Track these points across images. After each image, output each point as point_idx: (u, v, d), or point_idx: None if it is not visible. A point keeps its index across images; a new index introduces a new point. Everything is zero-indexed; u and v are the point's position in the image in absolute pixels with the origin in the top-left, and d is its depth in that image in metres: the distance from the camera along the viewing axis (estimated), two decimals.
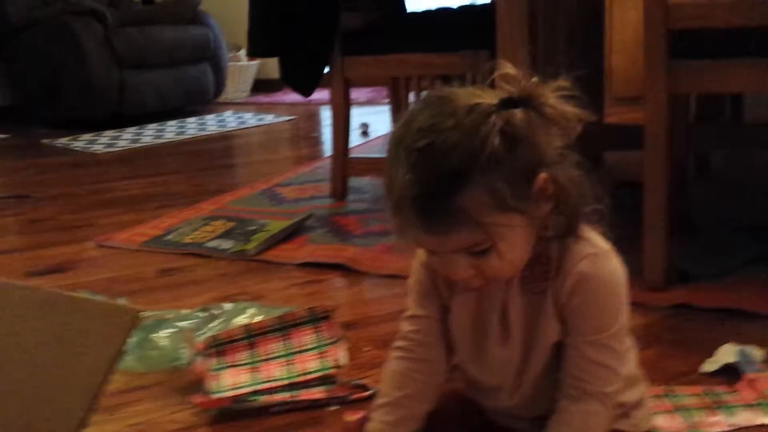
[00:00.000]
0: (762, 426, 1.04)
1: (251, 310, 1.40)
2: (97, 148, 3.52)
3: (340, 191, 2.31)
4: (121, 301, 1.42)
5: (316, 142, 3.63)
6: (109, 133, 3.87)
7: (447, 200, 0.72)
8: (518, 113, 0.74)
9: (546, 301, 0.82)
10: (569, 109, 0.76)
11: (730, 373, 1.17)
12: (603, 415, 0.82)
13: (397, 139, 0.76)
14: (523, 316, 0.83)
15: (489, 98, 0.75)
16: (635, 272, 1.55)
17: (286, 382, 1.18)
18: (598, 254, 0.81)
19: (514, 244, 0.77)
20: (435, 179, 0.72)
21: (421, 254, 0.90)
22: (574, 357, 0.82)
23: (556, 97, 0.76)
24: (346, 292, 1.64)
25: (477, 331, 0.87)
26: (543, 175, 0.75)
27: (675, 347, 1.28)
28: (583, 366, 0.82)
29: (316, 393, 1.17)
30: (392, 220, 0.76)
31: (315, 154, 3.22)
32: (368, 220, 2.07)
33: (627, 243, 1.54)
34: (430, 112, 0.75)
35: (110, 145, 3.56)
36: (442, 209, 0.73)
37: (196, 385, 1.20)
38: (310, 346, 1.26)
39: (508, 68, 0.77)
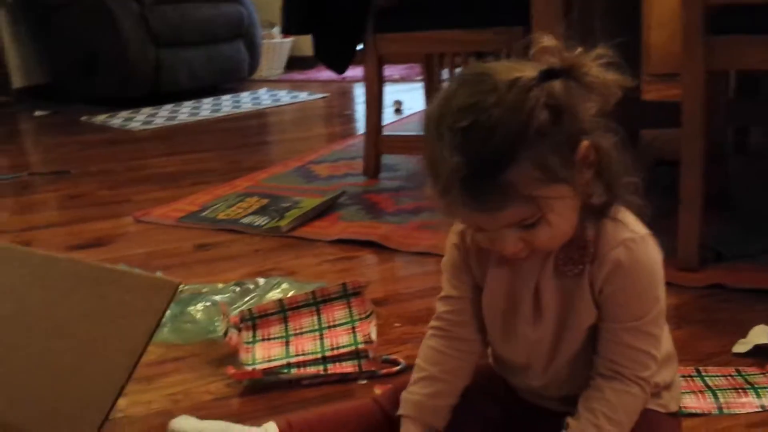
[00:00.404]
0: None
1: (284, 285, 1.42)
2: (134, 125, 3.57)
3: (372, 169, 2.32)
4: (159, 275, 1.45)
5: (349, 119, 3.63)
6: (146, 110, 3.92)
7: (496, 178, 0.72)
8: (558, 84, 0.74)
9: (583, 285, 0.81)
10: (610, 76, 0.76)
11: (762, 355, 1.16)
12: (640, 397, 0.82)
13: (436, 119, 0.75)
14: (557, 298, 0.83)
15: (528, 71, 0.74)
16: (669, 252, 1.54)
17: (317, 356, 1.21)
18: (635, 239, 0.80)
19: (563, 215, 0.76)
20: (482, 158, 0.72)
21: (453, 235, 0.90)
22: (609, 341, 0.82)
23: (597, 66, 0.76)
24: (377, 269, 1.66)
25: (508, 311, 0.87)
26: (585, 143, 0.75)
27: (707, 328, 1.27)
28: (620, 351, 0.81)
29: (347, 367, 1.19)
30: (440, 201, 0.76)
31: (348, 132, 3.23)
32: (400, 198, 2.08)
33: (662, 222, 1.54)
34: (469, 90, 0.74)
35: (147, 123, 3.61)
36: (491, 187, 0.72)
37: (230, 357, 1.23)
38: (341, 321, 1.28)
39: (547, 40, 0.77)
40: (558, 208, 0.75)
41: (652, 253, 0.81)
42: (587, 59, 0.76)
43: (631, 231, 0.80)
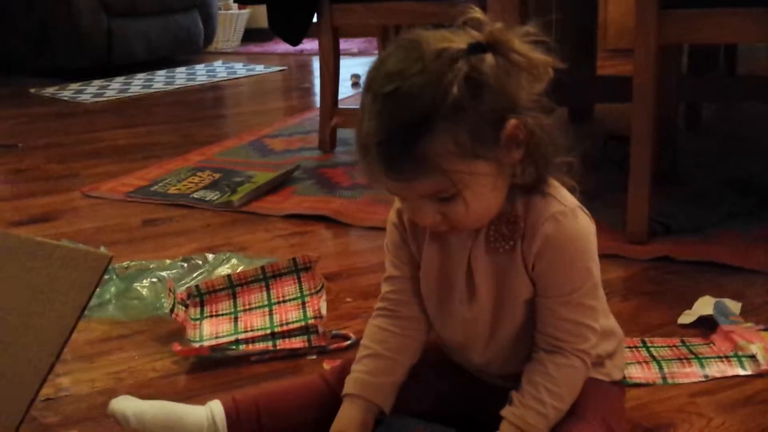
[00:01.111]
0: (734, 377, 1.05)
1: (234, 261, 1.40)
2: (85, 97, 3.48)
3: (328, 143, 2.30)
4: (102, 250, 1.42)
5: (307, 92, 3.59)
6: (98, 82, 3.82)
7: (411, 147, 0.71)
8: (488, 58, 0.72)
9: (516, 260, 0.81)
10: (537, 55, 0.75)
11: (707, 325, 1.18)
12: (581, 369, 0.82)
13: (368, 82, 0.75)
14: (490, 275, 0.83)
15: (459, 42, 0.73)
16: (619, 225, 1.57)
17: (266, 331, 1.19)
18: (565, 212, 0.79)
19: (481, 192, 0.76)
20: (399, 126, 0.71)
21: (392, 213, 0.90)
22: (547, 316, 0.82)
23: (523, 43, 0.75)
24: (330, 244, 1.64)
25: (443, 290, 0.87)
26: (513, 121, 0.74)
27: (654, 299, 1.29)
28: (558, 324, 0.82)
29: (296, 342, 1.18)
30: (360, 164, 0.76)
31: (306, 105, 3.19)
32: (355, 172, 2.06)
33: (613, 196, 1.56)
34: (399, 56, 0.73)
35: (98, 95, 3.52)
36: (405, 156, 0.72)
37: (177, 334, 1.21)
38: (291, 297, 1.26)
39: (476, 12, 0.76)
40: (475, 185, 0.74)
41: (582, 225, 0.81)
42: (512, 35, 0.75)
43: (561, 204, 0.80)
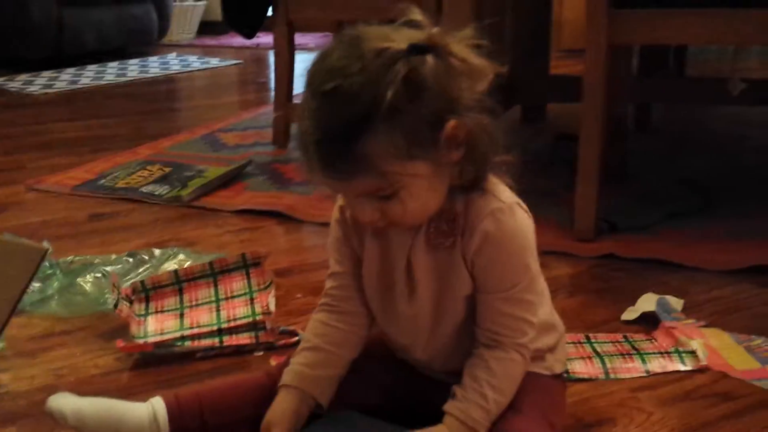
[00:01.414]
0: (675, 372, 1.07)
1: (181, 256, 1.38)
2: (34, 89, 3.39)
3: (282, 138, 2.28)
4: (45, 244, 1.39)
5: (263, 87, 3.56)
6: (47, 73, 3.72)
7: (349, 146, 0.71)
8: (429, 60, 0.73)
9: (455, 257, 0.81)
10: (475, 60, 0.75)
11: (649, 322, 1.20)
12: (521, 363, 0.83)
13: (308, 78, 0.75)
14: (430, 271, 0.83)
15: (400, 42, 0.73)
16: (567, 223, 1.59)
17: (213, 328, 1.18)
18: (503, 209, 0.80)
19: (418, 192, 0.76)
20: (337, 124, 0.71)
21: (335, 210, 0.90)
22: (486, 311, 0.83)
23: (462, 47, 0.75)
24: (281, 240, 1.63)
25: (384, 287, 0.87)
26: (452, 122, 0.74)
27: (599, 296, 1.31)
28: (496, 319, 0.82)
29: (243, 339, 1.17)
30: (301, 160, 0.75)
31: (261, 100, 3.16)
32: (312, 179, 2.05)
33: (562, 195, 1.58)
34: (341, 52, 0.73)
35: (47, 86, 3.44)
36: (343, 155, 0.72)
37: (121, 330, 1.18)
38: (239, 293, 1.25)
39: (415, 14, 0.76)
40: (412, 185, 0.75)
41: (520, 221, 0.81)
42: (451, 39, 0.75)
43: (499, 201, 0.80)
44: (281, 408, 0.86)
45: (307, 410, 0.87)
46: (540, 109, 2.56)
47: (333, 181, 0.75)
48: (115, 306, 1.19)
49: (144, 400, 0.92)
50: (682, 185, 1.80)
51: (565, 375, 0.99)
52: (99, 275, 1.31)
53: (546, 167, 1.95)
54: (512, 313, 0.82)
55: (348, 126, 0.71)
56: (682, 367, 1.08)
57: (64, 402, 0.87)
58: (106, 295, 1.26)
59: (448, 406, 0.82)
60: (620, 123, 1.88)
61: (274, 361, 1.11)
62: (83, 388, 1.06)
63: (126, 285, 1.26)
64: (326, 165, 0.73)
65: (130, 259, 1.38)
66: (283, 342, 1.17)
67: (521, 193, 0.84)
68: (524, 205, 0.83)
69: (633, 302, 1.26)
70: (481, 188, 0.80)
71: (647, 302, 1.23)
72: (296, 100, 2.35)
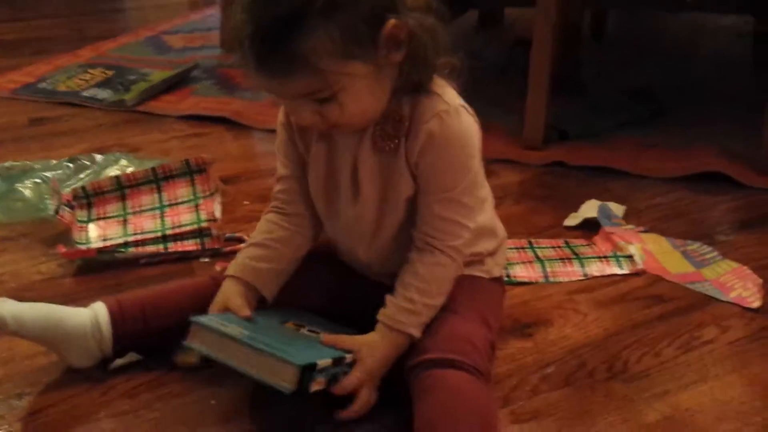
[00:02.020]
0: (612, 276, 1.11)
1: (123, 162, 1.36)
2: None
3: (229, 41, 2.20)
4: None
5: None
6: None
7: (282, 44, 0.69)
8: None
9: (399, 159, 0.81)
10: None
11: (590, 227, 1.23)
12: (450, 266, 0.84)
13: None
14: (374, 173, 0.83)
15: None
16: (518, 132, 1.59)
17: (157, 234, 1.17)
18: (449, 111, 0.80)
19: (357, 94, 0.74)
20: (269, 21, 0.69)
21: (280, 113, 0.88)
22: (423, 214, 0.83)
23: None
24: (228, 146, 1.60)
25: (329, 189, 0.87)
26: (392, 21, 0.72)
27: (544, 203, 1.33)
28: (431, 222, 0.83)
29: (189, 245, 1.16)
30: (237, 61, 0.73)
31: (210, 0, 3.04)
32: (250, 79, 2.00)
33: (515, 102, 1.57)
34: None
35: None
36: (277, 53, 0.69)
37: (63, 236, 1.17)
38: (184, 199, 1.24)
39: None
40: (351, 86, 0.73)
41: (465, 124, 0.81)
42: None
43: (446, 103, 0.80)
44: (230, 291, 0.87)
45: (253, 300, 0.88)
46: (497, 14, 2.51)
47: (268, 81, 0.73)
48: (56, 212, 1.17)
49: (88, 305, 0.91)
50: (634, 94, 1.81)
51: (506, 278, 1.02)
52: (39, 181, 1.28)
53: (500, 74, 1.94)
54: (447, 216, 0.83)
55: (282, 20, 0.68)
56: (619, 271, 1.11)
57: (3, 307, 0.86)
58: (47, 201, 1.24)
59: (379, 314, 0.83)
60: (575, 30, 1.86)
61: (219, 267, 1.11)
62: (25, 294, 1.05)
63: (66, 191, 1.23)
64: (261, 62, 0.71)
65: (71, 165, 1.35)
66: (229, 248, 1.17)
67: (473, 100, 0.83)
68: (470, 109, 0.83)
69: (576, 209, 1.28)
70: (427, 90, 0.79)
71: (590, 208, 1.26)
72: None
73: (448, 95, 0.81)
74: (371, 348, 0.81)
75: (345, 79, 0.72)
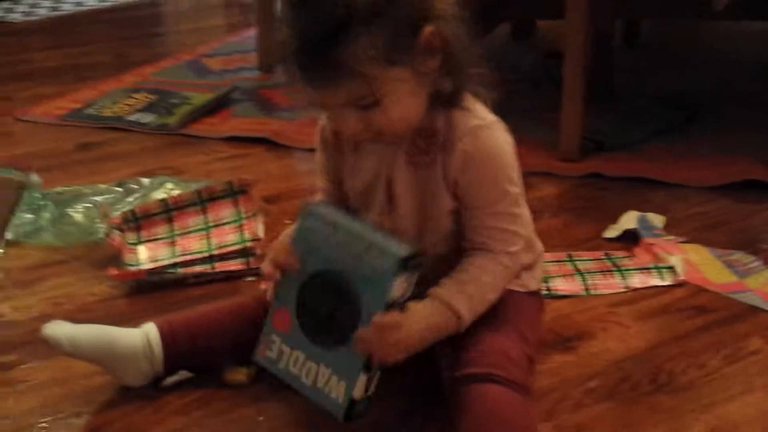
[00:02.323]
0: (653, 287, 1.11)
1: (169, 185, 1.39)
2: (15, 16, 3.32)
3: (267, 63, 2.25)
4: (24, 175, 1.40)
5: (248, 9, 3.47)
6: (28, 0, 3.63)
7: (328, 52, 0.72)
8: None
9: (436, 173, 0.83)
10: None
11: (630, 239, 1.23)
12: (509, 269, 0.85)
13: None
14: (410, 187, 0.85)
15: None
16: (553, 143, 1.59)
17: (204, 254, 1.20)
18: (483, 126, 0.82)
19: (400, 99, 0.77)
20: (314, 32, 0.72)
21: (317, 132, 0.92)
22: (475, 227, 0.85)
23: None
24: (269, 166, 1.64)
25: (365, 202, 0.89)
26: (429, 28, 0.75)
27: (582, 215, 1.33)
28: (485, 233, 0.84)
29: (233, 265, 1.19)
30: (282, 75, 0.77)
31: (247, 22, 3.09)
32: (295, 94, 2.03)
33: (550, 114, 1.58)
34: None
35: (29, 14, 3.36)
36: (323, 62, 0.72)
37: (114, 259, 1.21)
38: (228, 220, 1.27)
39: None
40: (393, 91, 0.76)
41: (501, 138, 0.83)
42: None
43: (479, 118, 0.82)
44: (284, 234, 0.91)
45: None
46: (530, 26, 2.52)
47: (315, 91, 0.76)
48: (107, 235, 1.21)
49: (139, 325, 0.95)
50: (668, 102, 1.80)
51: (546, 292, 1.02)
52: (89, 205, 1.32)
53: (534, 86, 1.95)
54: (501, 226, 0.84)
55: (327, 30, 0.71)
56: (660, 282, 1.11)
57: (59, 329, 0.90)
58: (97, 225, 1.28)
59: (430, 291, 0.83)
60: (606, 39, 1.86)
61: (264, 286, 1.13)
62: (80, 315, 1.09)
63: (116, 214, 1.27)
64: (307, 73, 0.74)
65: (119, 189, 1.39)
66: None
67: (507, 113, 0.85)
68: (503, 124, 0.85)
69: (615, 220, 1.28)
70: (460, 105, 0.82)
71: (629, 220, 1.26)
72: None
73: (480, 111, 0.83)
74: (415, 314, 0.80)
75: (388, 84, 0.75)
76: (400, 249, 0.78)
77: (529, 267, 0.93)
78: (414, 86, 0.78)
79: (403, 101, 0.78)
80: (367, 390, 0.81)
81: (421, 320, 0.80)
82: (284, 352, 0.86)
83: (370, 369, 0.80)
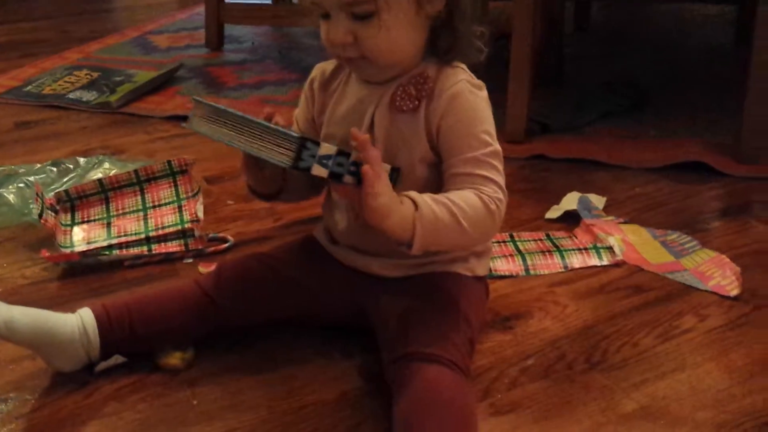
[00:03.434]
0: (592, 267, 1.12)
1: (106, 165, 1.36)
2: None
3: (215, 40, 2.22)
4: None
5: None
6: None
7: None
8: None
9: (417, 120, 0.84)
10: None
11: (571, 219, 1.24)
12: (491, 211, 0.81)
13: None
14: (389, 132, 0.85)
15: None
16: (499, 124, 1.58)
17: (141, 236, 1.18)
18: (473, 81, 0.85)
19: (395, 24, 0.79)
20: None
21: (309, 80, 0.94)
22: (454, 176, 0.83)
23: None
24: (213, 146, 1.57)
25: (346, 145, 0.88)
26: None
27: (526, 196, 1.34)
28: (467, 179, 0.82)
29: (172, 246, 1.17)
30: None
31: None
32: (244, 72, 2.00)
33: (498, 96, 1.58)
34: None
35: None
36: None
37: (47, 240, 1.17)
38: (167, 201, 1.24)
39: None
40: (391, 10, 0.78)
41: (485, 101, 0.85)
42: None
43: (469, 77, 0.85)
44: None
45: None
46: (483, 8, 2.52)
47: None
48: (40, 216, 1.17)
49: (74, 309, 0.92)
50: (616, 85, 1.82)
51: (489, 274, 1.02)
52: (22, 185, 1.28)
53: (484, 69, 1.94)
54: (481, 173, 0.82)
55: None
56: (599, 263, 1.12)
57: None
58: (30, 205, 1.24)
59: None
60: (556, 22, 1.87)
61: (203, 269, 1.12)
62: (11, 298, 1.05)
63: (50, 195, 1.24)
64: None
65: (54, 168, 1.36)
66: (212, 249, 1.18)
67: None
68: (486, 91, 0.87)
69: (558, 201, 1.29)
70: (454, 65, 0.84)
71: (570, 201, 1.27)
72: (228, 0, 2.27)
73: (471, 74, 0.86)
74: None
75: (389, 1, 0.78)
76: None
77: (479, 254, 0.93)
78: (413, 19, 0.80)
79: (397, 27, 0.79)
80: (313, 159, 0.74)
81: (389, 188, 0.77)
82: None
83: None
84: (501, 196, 0.83)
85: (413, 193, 0.79)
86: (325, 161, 0.75)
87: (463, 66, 0.86)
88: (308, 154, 0.74)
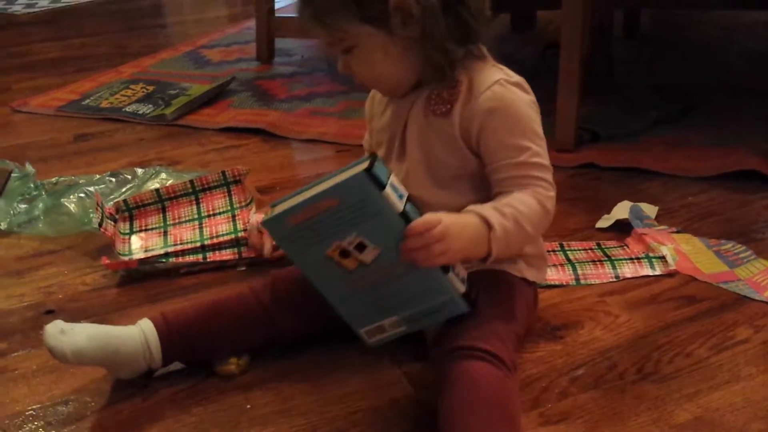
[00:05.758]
0: (644, 277, 1.10)
1: (163, 175, 1.40)
2: (16, 8, 3.33)
3: (265, 53, 2.25)
4: (27, 166, 1.40)
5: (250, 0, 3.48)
6: None
7: (312, 3, 0.83)
8: None
9: (449, 123, 0.85)
10: None
11: (622, 229, 1.22)
12: (546, 209, 0.83)
13: None
14: (420, 135, 0.87)
15: None
16: (547, 134, 1.58)
17: (196, 244, 1.20)
18: (509, 81, 0.84)
19: (370, 54, 0.83)
20: None
21: (371, 94, 0.99)
22: (500, 180, 0.84)
23: None
24: (265, 157, 1.64)
25: (387, 154, 0.93)
26: None
27: (575, 205, 1.33)
28: (517, 181, 0.83)
29: (226, 255, 1.20)
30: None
31: (248, 14, 3.09)
32: (294, 84, 2.04)
33: (548, 105, 1.57)
34: None
35: (30, 6, 3.37)
36: (308, 9, 0.84)
37: (107, 248, 1.21)
38: (221, 210, 1.27)
39: None
40: (364, 45, 0.83)
41: (527, 94, 0.85)
42: None
43: (505, 73, 0.85)
44: None
45: None
46: (530, 17, 2.51)
47: (308, 30, 0.85)
48: (100, 225, 1.21)
49: (131, 314, 0.94)
50: (665, 91, 1.79)
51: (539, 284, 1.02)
52: (82, 195, 1.32)
53: (533, 77, 1.93)
54: (533, 174, 0.83)
55: None
56: (651, 272, 1.11)
57: (65, 342, 0.86)
58: (91, 215, 1.29)
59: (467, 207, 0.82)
60: (605, 30, 1.86)
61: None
62: (71, 305, 1.10)
63: (109, 204, 1.28)
64: (301, 16, 0.86)
65: (113, 179, 1.40)
66: (276, 255, 1.19)
67: None
68: (526, 84, 0.86)
69: (609, 210, 1.28)
70: (482, 57, 0.86)
71: (622, 210, 1.25)
72: (280, 13, 2.31)
73: (507, 70, 0.86)
74: (447, 218, 0.77)
75: (358, 38, 0.83)
76: (357, 168, 0.74)
77: (527, 258, 0.93)
78: (390, 47, 0.83)
79: (375, 57, 0.83)
80: (463, 282, 0.81)
81: (455, 221, 0.77)
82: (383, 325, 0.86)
83: (447, 269, 0.79)
84: (552, 193, 0.85)
85: (486, 211, 0.80)
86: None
87: (500, 66, 0.86)
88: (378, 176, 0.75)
